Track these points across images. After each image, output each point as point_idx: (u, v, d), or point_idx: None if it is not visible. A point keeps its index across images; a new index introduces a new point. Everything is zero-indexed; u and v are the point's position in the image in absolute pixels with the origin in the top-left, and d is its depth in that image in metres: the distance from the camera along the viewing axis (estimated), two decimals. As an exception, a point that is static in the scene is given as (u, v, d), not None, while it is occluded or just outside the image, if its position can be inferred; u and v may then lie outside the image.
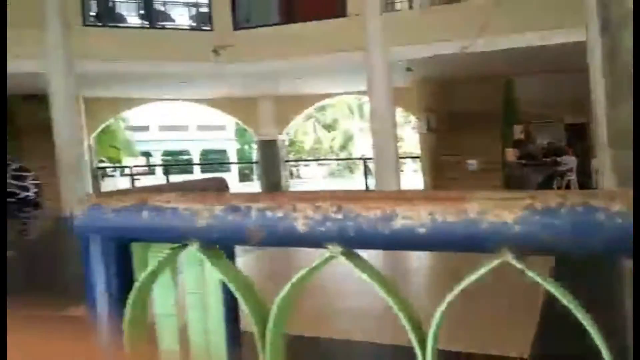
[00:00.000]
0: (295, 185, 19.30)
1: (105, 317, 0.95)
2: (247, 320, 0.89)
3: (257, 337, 0.83)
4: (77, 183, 10.70)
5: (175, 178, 20.53)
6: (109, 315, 0.95)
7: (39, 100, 11.59)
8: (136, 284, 0.93)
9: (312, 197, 0.78)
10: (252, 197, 0.83)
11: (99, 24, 12.31)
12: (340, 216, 0.74)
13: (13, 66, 9.99)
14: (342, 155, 34.12)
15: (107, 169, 22.51)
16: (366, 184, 16.55)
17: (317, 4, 11.39)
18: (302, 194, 0.82)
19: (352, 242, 0.75)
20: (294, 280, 0.79)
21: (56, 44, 10.26)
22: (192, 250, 0.97)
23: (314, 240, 0.76)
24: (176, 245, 0.92)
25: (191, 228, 0.85)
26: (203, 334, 1.18)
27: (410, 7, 11.16)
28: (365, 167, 17.29)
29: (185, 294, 1.13)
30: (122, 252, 0.96)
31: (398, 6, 11.20)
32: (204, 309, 1.18)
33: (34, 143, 12.46)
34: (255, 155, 33.87)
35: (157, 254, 0.99)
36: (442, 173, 13.44)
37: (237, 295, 0.87)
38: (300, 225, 0.76)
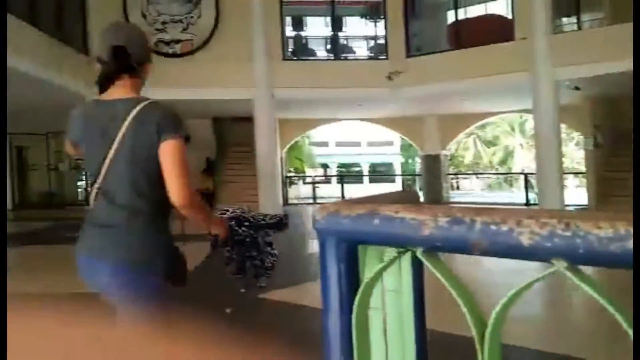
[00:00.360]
0: (455, 197, 18.68)
1: (337, 311, 1.00)
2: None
3: (476, 341, 0.81)
4: (271, 189, 11.51)
5: (347, 187, 21.01)
6: (339, 309, 1.00)
7: (245, 121, 12.75)
8: (365, 281, 0.96)
9: (536, 213, 0.74)
10: (476, 211, 0.81)
11: (294, 58, 13.18)
12: (568, 233, 0.69)
13: (229, 93, 11.14)
14: (501, 169, 32.25)
15: (293, 178, 23.78)
16: (527, 198, 15.41)
17: (486, 30, 10.94)
18: (525, 210, 0.79)
19: (579, 259, 0.70)
20: (516, 289, 0.76)
21: (261, 76, 11.21)
22: (392, 252, 0.99)
23: (538, 254, 0.72)
24: (400, 249, 0.93)
25: (416, 236, 0.85)
26: (398, 328, 1.18)
27: (579, 28, 10.20)
28: (526, 181, 16.09)
29: (385, 291, 1.15)
30: (351, 253, 1.01)
31: (566, 28, 10.31)
32: (399, 306, 1.18)
33: (240, 156, 13.66)
34: (418, 168, 33.67)
35: (375, 256, 1.02)
36: (608, 189, 12.00)
37: (458, 299, 0.85)
38: (526, 240, 0.72)
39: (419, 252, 0.89)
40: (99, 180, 1.61)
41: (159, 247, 1.63)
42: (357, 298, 0.97)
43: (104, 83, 1.66)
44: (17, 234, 8.52)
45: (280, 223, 1.92)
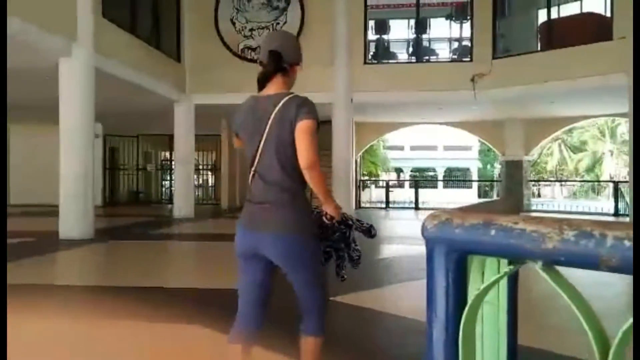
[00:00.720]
0: (536, 205, 17.81)
1: (443, 320, 0.99)
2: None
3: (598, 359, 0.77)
4: (345, 192, 11.52)
5: (422, 191, 20.59)
6: (445, 319, 0.98)
7: (323, 124, 12.85)
8: (476, 292, 0.94)
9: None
10: (605, 224, 0.77)
11: (375, 61, 13.13)
12: None
13: (309, 97, 11.33)
14: (588, 177, 30.36)
15: (367, 182, 23.68)
16: (616, 208, 14.43)
17: (581, 30, 10.29)
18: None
19: None
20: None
21: (341, 80, 11.30)
22: (493, 262, 0.97)
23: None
24: (515, 261, 0.91)
25: (537, 249, 0.82)
26: (494, 341, 1.15)
27: (685, 25, 9.36)
28: (616, 190, 15.03)
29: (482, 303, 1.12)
30: (460, 263, 0.99)
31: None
32: (495, 318, 1.15)
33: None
34: (496, 174, 32.43)
35: (478, 267, 1.00)
36: None
37: (580, 317, 0.81)
38: (665, 258, 0.68)
39: (538, 266, 0.86)
40: (255, 164, 1.95)
41: (308, 217, 1.96)
42: (466, 309, 0.96)
43: (262, 82, 2.01)
44: (104, 229, 9.06)
45: (369, 230, 2.10)
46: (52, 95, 8.05)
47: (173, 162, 14.64)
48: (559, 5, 11.35)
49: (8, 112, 12.25)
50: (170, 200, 16.44)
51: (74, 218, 7.91)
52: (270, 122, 1.92)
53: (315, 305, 1.99)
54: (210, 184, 19.61)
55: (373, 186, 24.85)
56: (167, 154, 19.01)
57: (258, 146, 1.94)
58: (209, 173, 19.32)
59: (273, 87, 2.00)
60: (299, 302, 2.00)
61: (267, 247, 1.91)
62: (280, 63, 1.99)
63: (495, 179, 31.32)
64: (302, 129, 1.88)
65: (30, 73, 8.62)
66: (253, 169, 1.96)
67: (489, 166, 36.56)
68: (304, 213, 1.94)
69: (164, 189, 20.26)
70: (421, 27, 13.20)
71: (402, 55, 13.97)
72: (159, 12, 11.56)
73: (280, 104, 1.92)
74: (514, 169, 15.98)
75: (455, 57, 13.30)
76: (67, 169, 7.96)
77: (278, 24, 11.83)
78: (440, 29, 14.58)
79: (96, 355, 2.85)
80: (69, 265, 6.41)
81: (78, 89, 7.96)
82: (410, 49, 13.80)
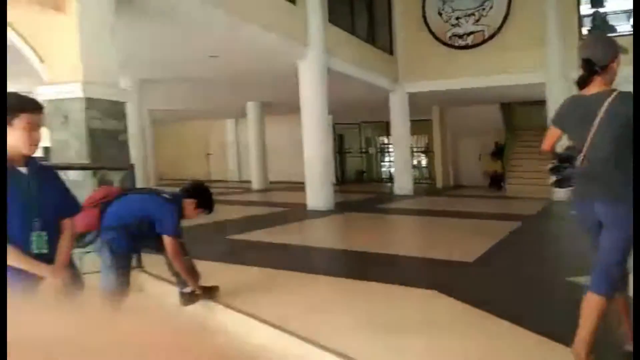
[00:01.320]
0: None
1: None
2: None
3: None
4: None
5: None
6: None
7: (535, 105, 11.93)
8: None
9: None
10: None
11: (591, 36, 11.56)
12: None
13: (518, 79, 10.60)
14: None
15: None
16: None
17: None
18: None
19: None
20: None
21: (554, 58, 10.28)
22: None
23: None
24: None
25: None
26: None
27: None
28: None
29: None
30: None
31: None
32: None
33: (529, 139, 12.74)
34: None
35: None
36: None
37: None
38: None
39: None
40: (584, 150, 2.16)
41: (628, 188, 2.05)
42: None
43: (581, 84, 2.20)
44: (340, 203, 9.78)
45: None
46: (294, 91, 8.96)
47: (390, 146, 15.23)
48: None
49: (268, 107, 14.34)
50: (389, 179, 17.16)
51: (318, 192, 8.87)
52: (599, 116, 2.09)
53: (608, 265, 2.11)
54: (423, 165, 19.84)
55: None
56: (385, 138, 19.81)
57: (587, 136, 2.13)
58: (422, 155, 19.55)
59: (594, 87, 2.16)
60: (596, 260, 2.16)
61: (598, 210, 2.13)
62: (592, 68, 2.14)
63: None
64: None
65: (274, 74, 9.72)
66: (583, 153, 2.16)
67: None
68: (625, 186, 2.07)
69: (382, 169, 21.20)
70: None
71: (624, 27, 11.86)
72: (373, 12, 11.96)
73: (609, 100, 2.08)
74: None
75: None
76: (310, 152, 8.93)
77: (484, 9, 11.31)
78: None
79: (339, 306, 3.30)
80: (321, 231, 7.22)
81: (314, 85, 8.69)
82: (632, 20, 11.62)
